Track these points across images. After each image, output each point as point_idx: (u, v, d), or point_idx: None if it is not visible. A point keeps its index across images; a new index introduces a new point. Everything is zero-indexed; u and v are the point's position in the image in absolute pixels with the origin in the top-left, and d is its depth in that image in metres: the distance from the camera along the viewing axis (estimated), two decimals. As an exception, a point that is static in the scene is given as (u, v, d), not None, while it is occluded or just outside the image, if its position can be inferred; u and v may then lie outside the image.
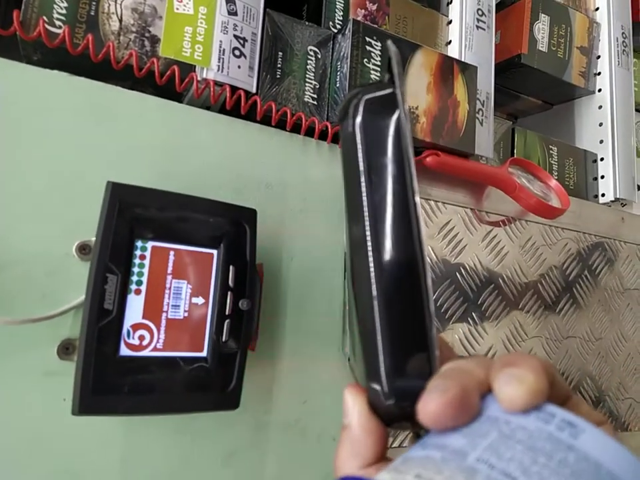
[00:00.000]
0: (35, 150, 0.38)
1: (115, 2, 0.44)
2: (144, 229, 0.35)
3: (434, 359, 0.18)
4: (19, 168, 0.38)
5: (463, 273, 0.59)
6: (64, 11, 0.43)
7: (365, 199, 0.19)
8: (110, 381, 0.32)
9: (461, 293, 0.59)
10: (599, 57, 0.80)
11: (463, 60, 0.62)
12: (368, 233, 0.19)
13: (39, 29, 0.41)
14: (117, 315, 0.33)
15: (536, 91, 0.82)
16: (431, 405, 0.17)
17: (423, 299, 0.18)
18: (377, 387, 0.19)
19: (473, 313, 0.60)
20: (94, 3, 0.44)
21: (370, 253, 0.19)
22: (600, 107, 0.79)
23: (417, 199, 0.18)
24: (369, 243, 0.19)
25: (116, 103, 0.41)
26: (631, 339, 0.73)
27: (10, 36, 0.40)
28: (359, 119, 0.19)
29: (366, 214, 0.19)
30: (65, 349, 0.37)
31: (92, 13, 0.43)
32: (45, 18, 0.42)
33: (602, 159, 0.77)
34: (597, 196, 0.77)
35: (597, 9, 0.81)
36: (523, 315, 0.64)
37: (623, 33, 0.80)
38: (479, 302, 0.60)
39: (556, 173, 0.74)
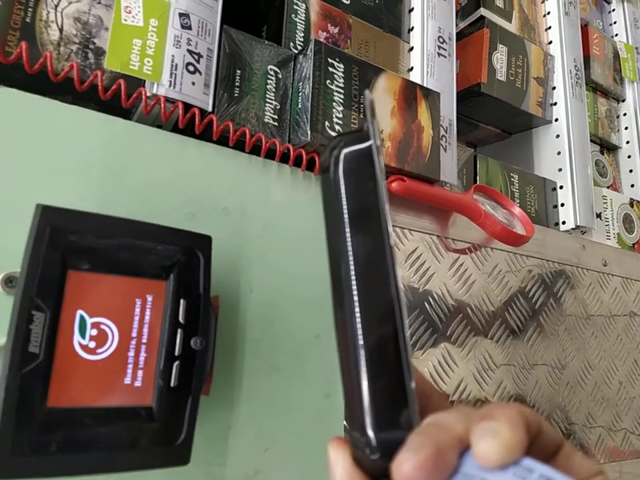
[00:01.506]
0: (-46, 168, 0.34)
1: (55, 10, 0.41)
2: (79, 259, 0.30)
3: (413, 412, 0.18)
4: None
5: (431, 302, 0.57)
6: (-5, 17, 0.38)
7: (349, 249, 0.19)
8: (34, 437, 0.27)
9: (430, 323, 0.56)
10: (554, 87, 0.82)
11: (425, 84, 0.62)
12: (353, 283, 0.19)
13: (-35, 35, 0.36)
14: (45, 360, 0.28)
15: (495, 119, 0.83)
16: (403, 466, 0.16)
17: (400, 349, 0.18)
18: (361, 439, 0.18)
19: (442, 344, 0.57)
20: (30, 9, 0.40)
21: (356, 302, 0.19)
22: (557, 136, 0.80)
23: (392, 241, 0.19)
24: (354, 293, 0.19)
25: (51, 117, 0.37)
26: (597, 367, 0.73)
27: None
28: (340, 172, 0.20)
29: (351, 263, 0.19)
30: (-20, 401, 0.31)
31: (27, 20, 0.39)
32: (-29, 23, 0.37)
33: (561, 187, 0.78)
34: (557, 223, 0.77)
35: (550, 42, 0.83)
36: (492, 345, 0.62)
37: (575, 66, 0.82)
38: (448, 333, 0.58)
39: (518, 200, 0.74)
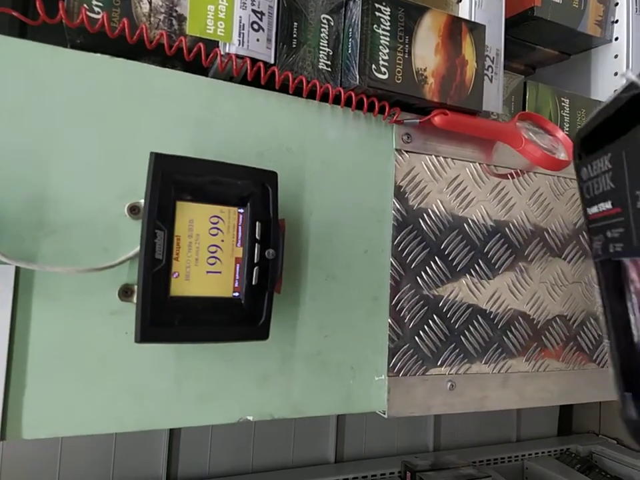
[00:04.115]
0: (88, 126, 0.45)
1: (145, -15, 0.49)
2: (183, 192, 0.41)
3: None
4: (76, 143, 0.44)
5: (471, 224, 0.64)
6: (101, -3, 0.48)
7: None
8: (164, 315, 0.39)
9: (468, 242, 0.64)
10: (617, 4, 0.79)
11: (472, 18, 0.64)
12: None
13: (81, 16, 0.46)
14: (166, 264, 0.40)
15: (551, 41, 0.83)
16: None
17: None
18: None
19: (480, 261, 0.65)
20: (126, -12, 0.48)
21: None
22: (616, 56, 0.79)
23: None
24: None
25: (152, 81, 0.47)
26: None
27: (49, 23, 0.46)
28: None
29: None
30: (125, 292, 0.44)
31: (125, -2, 0.48)
32: (85, 6, 0.47)
33: (615, 109, 0.79)
34: (609, 146, 0.79)
35: (616, -47, 0.80)
36: (528, 262, 0.69)
37: (642, -22, 0.79)
38: (485, 250, 0.65)
39: (567, 125, 0.76)
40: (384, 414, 0.56)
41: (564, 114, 0.76)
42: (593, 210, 0.38)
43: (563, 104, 0.76)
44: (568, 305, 0.71)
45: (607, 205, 0.35)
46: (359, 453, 1.26)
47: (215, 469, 1.11)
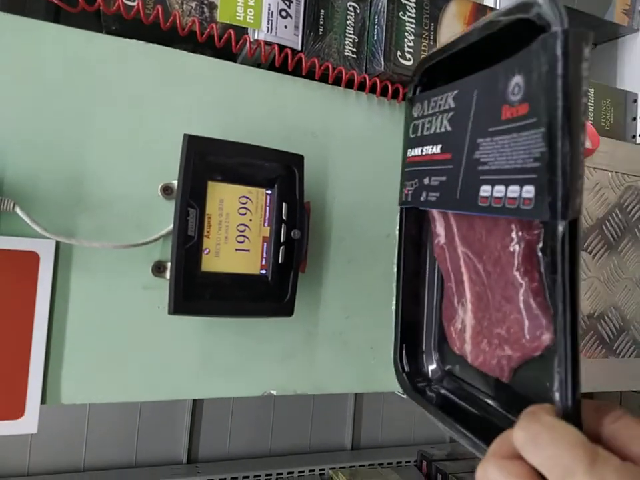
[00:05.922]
0: (122, 109, 0.47)
1: (178, -27, 0.51)
2: (214, 172, 0.43)
3: None
4: (111, 124, 0.46)
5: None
6: (136, -15, 0.49)
7: None
8: (195, 289, 0.41)
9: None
10: (645, -8, 0.78)
11: (498, 6, 0.65)
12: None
13: (118, 3, 0.48)
14: (197, 240, 0.42)
15: (577, 30, 0.82)
16: None
17: None
18: None
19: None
20: (160, -24, 0.50)
21: None
22: (643, 45, 0.78)
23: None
24: None
25: (184, 66, 0.49)
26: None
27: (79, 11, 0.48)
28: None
29: None
30: (157, 269, 0.46)
31: (159, -15, 0.50)
32: (121, -7, 0.49)
33: (642, 99, 0.78)
34: (634, 136, 0.78)
35: (646, -60, 0.79)
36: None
37: (672, -35, 0.78)
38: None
39: (591, 115, 0.75)
40: (403, 394, 0.57)
41: (588, 103, 0.76)
42: (415, 152, 0.33)
43: (587, 93, 0.75)
44: (588, 298, 0.71)
45: (435, 149, 0.30)
46: (375, 441, 1.27)
47: (234, 451, 1.14)
